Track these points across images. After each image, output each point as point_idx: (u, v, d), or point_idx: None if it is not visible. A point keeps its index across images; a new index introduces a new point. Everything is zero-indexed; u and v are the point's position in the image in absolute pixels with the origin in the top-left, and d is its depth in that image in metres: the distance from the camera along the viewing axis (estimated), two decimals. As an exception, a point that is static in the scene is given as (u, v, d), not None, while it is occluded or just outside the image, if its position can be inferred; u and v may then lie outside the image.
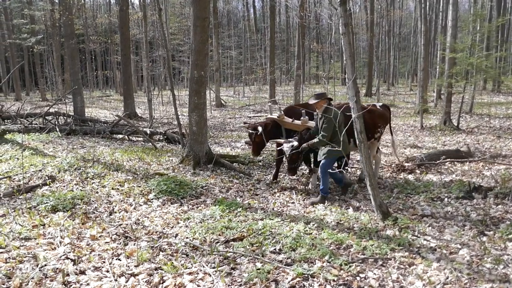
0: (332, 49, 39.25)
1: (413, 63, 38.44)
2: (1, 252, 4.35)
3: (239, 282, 3.88)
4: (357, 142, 5.48)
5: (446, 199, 6.41)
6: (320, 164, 6.43)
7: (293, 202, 6.59)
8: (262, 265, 4.14)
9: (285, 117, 7.35)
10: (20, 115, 15.06)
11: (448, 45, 14.49)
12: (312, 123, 6.92)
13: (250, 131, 7.32)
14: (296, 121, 7.19)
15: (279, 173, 8.05)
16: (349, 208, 6.18)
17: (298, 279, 3.90)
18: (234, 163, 8.88)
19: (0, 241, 4.61)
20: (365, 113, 6.44)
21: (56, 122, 14.24)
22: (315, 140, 6.37)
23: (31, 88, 41.78)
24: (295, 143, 6.71)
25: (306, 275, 3.96)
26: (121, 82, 25.21)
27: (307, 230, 5.18)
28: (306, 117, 6.97)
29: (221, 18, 49.31)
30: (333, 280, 3.88)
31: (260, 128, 7.16)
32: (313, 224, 5.42)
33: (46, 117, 14.67)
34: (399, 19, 43.12)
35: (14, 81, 34.48)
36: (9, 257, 4.25)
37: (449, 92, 14.71)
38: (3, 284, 3.73)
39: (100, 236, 5.00)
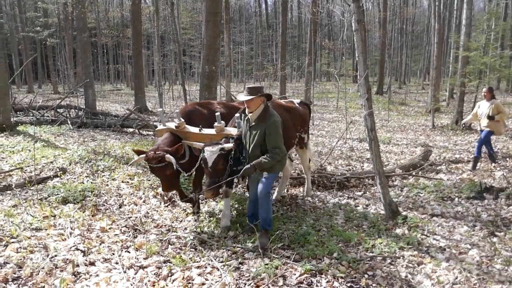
0: (344, 46, 39.00)
1: (425, 61, 38.15)
2: (13, 242, 4.41)
3: (247, 276, 3.89)
4: (368, 140, 5.45)
5: (456, 199, 6.35)
6: (260, 185, 4.57)
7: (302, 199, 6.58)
8: (270, 261, 4.15)
9: (186, 126, 5.11)
10: (32, 107, 15.22)
11: (462, 43, 14.33)
12: (232, 131, 4.94)
13: (153, 165, 4.66)
14: (207, 130, 5.02)
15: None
16: (358, 206, 6.15)
17: (306, 275, 3.90)
18: (244, 159, 8.85)
19: (12, 231, 4.67)
20: (283, 112, 5.33)
21: (68, 115, 14.36)
22: (267, 159, 4.35)
23: (43, 81, 42.14)
24: (227, 146, 4.61)
25: (314, 272, 3.96)
26: (132, 76, 25.33)
27: (315, 227, 5.18)
28: (222, 122, 4.92)
29: (233, 13, 49.22)
30: (341, 277, 3.87)
31: (170, 158, 4.61)
32: (322, 221, 5.41)
33: (58, 110, 14.80)
34: (412, 16, 42.70)
35: (26, 73, 34.85)
36: (20, 247, 4.31)
37: (462, 92, 14.56)
38: (15, 273, 3.79)
39: (109, 228, 5.04)
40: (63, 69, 37.82)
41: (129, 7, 24.72)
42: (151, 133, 12.49)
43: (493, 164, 8.48)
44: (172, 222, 5.40)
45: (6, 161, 8.09)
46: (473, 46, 13.54)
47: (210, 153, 4.48)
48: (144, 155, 4.75)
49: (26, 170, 7.43)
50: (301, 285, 3.76)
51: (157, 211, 5.79)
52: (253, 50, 49.00)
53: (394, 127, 14.64)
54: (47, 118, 13.67)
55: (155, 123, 12.32)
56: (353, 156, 9.50)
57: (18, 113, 14.68)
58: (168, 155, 4.61)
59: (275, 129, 4.41)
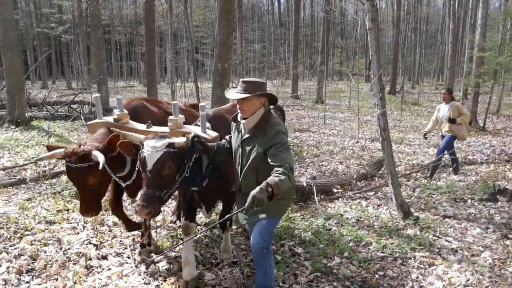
0: (357, 45, 38.80)
1: (439, 61, 37.80)
2: (27, 235, 4.49)
3: (257, 274, 3.90)
4: (380, 139, 5.43)
5: (469, 200, 6.29)
6: (255, 235, 3.10)
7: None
8: (281, 258, 4.16)
9: (129, 121, 3.89)
10: (46, 102, 15.38)
11: (477, 43, 14.17)
12: (195, 129, 3.52)
13: (72, 166, 3.26)
14: (158, 128, 3.71)
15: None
16: (369, 206, 6.13)
17: (316, 273, 3.90)
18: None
19: (26, 224, 4.74)
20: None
21: (81, 111, 14.50)
22: (282, 177, 2.72)
23: (57, 77, 42.56)
24: (178, 141, 3.13)
25: (324, 270, 3.96)
26: (145, 73, 25.45)
27: (326, 226, 5.17)
28: (181, 116, 3.68)
29: (246, 11, 49.21)
30: (352, 277, 3.87)
31: (98, 156, 3.23)
32: (333, 220, 5.40)
33: (72, 106, 14.95)
34: (426, 16, 42.30)
35: (41, 69, 35.18)
36: (34, 240, 4.38)
37: (476, 92, 14.40)
38: (29, 265, 3.85)
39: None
40: (76, 65, 38.19)
41: (143, 4, 24.86)
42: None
43: (454, 174, 7.90)
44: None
45: (21, 155, 8.21)
46: (488, 46, 13.39)
47: (151, 150, 2.98)
48: (61, 150, 3.34)
49: (40, 164, 7.53)
50: (311, 283, 3.77)
51: (169, 207, 5.82)
52: (265, 48, 48.93)
53: (406, 127, 14.53)
54: (61, 113, 13.82)
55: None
56: (364, 156, 9.45)
57: (32, 108, 14.85)
58: (96, 152, 3.23)
59: (281, 145, 2.89)
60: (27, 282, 3.60)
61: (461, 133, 7.62)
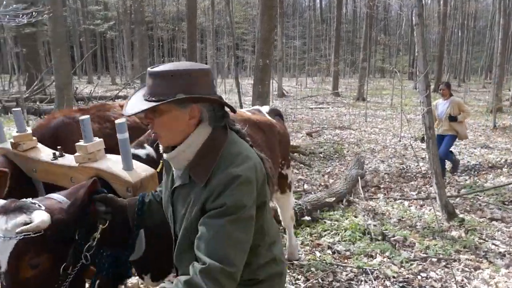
0: (401, 41, 37.86)
1: (487, 58, 36.27)
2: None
3: (297, 271, 3.90)
4: (425, 138, 5.30)
5: (518, 203, 6.03)
6: None
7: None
8: (320, 256, 4.14)
9: (37, 145, 2.57)
10: (92, 97, 15.95)
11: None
12: (113, 163, 2.18)
13: None
14: (64, 159, 2.37)
15: None
16: (412, 205, 5.99)
17: (356, 272, 3.86)
18: (295, 153, 8.86)
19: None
20: (256, 135, 2.96)
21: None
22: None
23: (102, 72, 43.99)
24: (38, 223, 1.58)
25: (364, 269, 3.91)
26: (186, 69, 25.80)
27: (366, 224, 5.09)
28: (97, 138, 2.26)
29: (287, 7, 49.01)
30: (393, 277, 3.81)
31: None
32: (374, 219, 5.31)
33: (116, 100, 15.41)
34: (474, 11, 40.70)
35: (87, 65, 36.46)
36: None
37: (527, 91, 13.75)
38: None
39: None
40: (121, 61, 39.29)
41: (185, 1, 25.27)
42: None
43: (449, 175, 7.40)
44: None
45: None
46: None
47: None
48: None
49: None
50: (351, 281, 3.73)
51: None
52: (306, 44, 48.61)
53: (451, 127, 14.07)
54: (106, 107, 14.27)
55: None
56: (407, 155, 9.24)
57: (79, 102, 15.43)
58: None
59: (222, 213, 1.47)
60: None
61: (464, 131, 7.12)
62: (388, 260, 4.13)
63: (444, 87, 7.28)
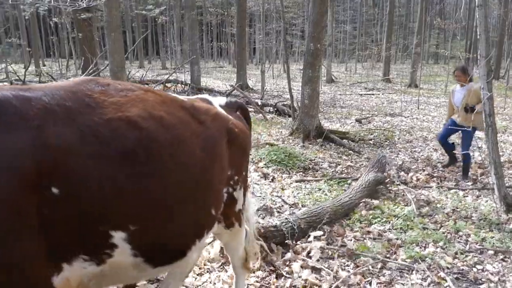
0: (458, 25, 36.08)
1: (553, 43, 33.87)
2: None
3: (346, 257, 3.87)
4: (485, 126, 5.05)
5: None
6: None
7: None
8: (371, 243, 4.08)
9: None
10: (143, 81, 16.36)
11: None
12: None
13: None
14: None
15: None
16: (467, 196, 5.76)
17: (407, 260, 3.78)
18: (344, 140, 8.73)
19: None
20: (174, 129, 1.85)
21: (175, 89, 15.23)
22: None
23: (153, 57, 44.99)
24: None
25: (416, 258, 3.82)
26: (235, 53, 25.97)
27: (419, 213, 4.95)
28: None
29: (337, -9, 47.92)
30: (447, 268, 3.69)
31: None
32: (427, 208, 5.15)
33: (166, 84, 15.75)
34: (540, -7, 38.05)
35: (138, 49, 37.40)
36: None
37: None
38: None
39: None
40: (171, 46, 39.98)
41: (235, -15, 25.27)
42: (252, 109, 12.76)
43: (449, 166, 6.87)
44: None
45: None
46: None
47: None
48: None
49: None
50: (402, 271, 3.66)
51: (258, 184, 5.94)
52: (356, 29, 47.41)
53: (511, 116, 13.35)
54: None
55: (256, 100, 12.59)
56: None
57: (130, 86, 15.89)
58: None
59: None
60: None
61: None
62: (442, 250, 4.01)
63: (459, 72, 6.23)
